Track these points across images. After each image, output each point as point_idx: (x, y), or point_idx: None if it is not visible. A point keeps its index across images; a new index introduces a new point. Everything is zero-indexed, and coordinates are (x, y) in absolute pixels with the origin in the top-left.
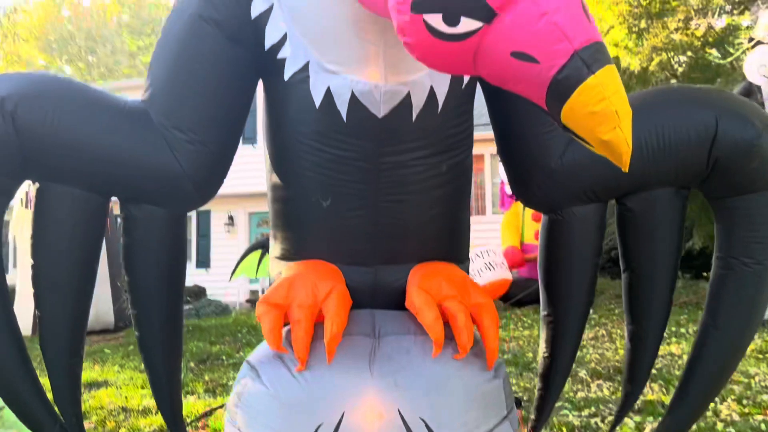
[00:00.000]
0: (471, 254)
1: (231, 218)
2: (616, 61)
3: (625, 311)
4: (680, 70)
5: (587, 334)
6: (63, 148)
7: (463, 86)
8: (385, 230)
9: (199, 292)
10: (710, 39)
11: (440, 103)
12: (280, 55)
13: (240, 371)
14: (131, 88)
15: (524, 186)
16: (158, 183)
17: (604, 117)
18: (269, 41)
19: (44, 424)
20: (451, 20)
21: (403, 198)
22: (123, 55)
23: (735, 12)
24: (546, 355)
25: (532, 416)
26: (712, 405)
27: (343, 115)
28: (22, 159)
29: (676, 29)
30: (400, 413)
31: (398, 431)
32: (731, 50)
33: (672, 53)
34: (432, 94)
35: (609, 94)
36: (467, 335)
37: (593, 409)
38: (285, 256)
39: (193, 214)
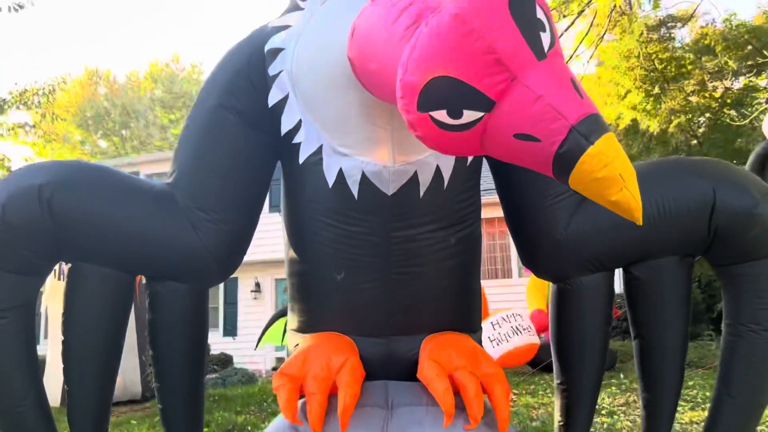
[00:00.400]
0: (497, 318)
1: (258, 285)
2: (635, 123)
3: (638, 379)
4: (700, 131)
5: (618, 399)
6: (95, 232)
7: (468, 163)
8: (397, 302)
9: (226, 360)
10: (728, 100)
11: (446, 180)
12: (295, 140)
13: None
14: (162, 160)
15: (532, 256)
16: (182, 261)
17: (609, 181)
18: (285, 127)
19: None
20: (455, 114)
21: (414, 270)
22: (155, 128)
23: (750, 74)
24: (561, 423)
25: None
26: None
27: (355, 193)
28: (56, 242)
29: (693, 92)
30: None
31: None
32: (748, 111)
33: (690, 115)
34: (438, 172)
35: (610, 159)
36: (478, 406)
37: None
38: (301, 329)
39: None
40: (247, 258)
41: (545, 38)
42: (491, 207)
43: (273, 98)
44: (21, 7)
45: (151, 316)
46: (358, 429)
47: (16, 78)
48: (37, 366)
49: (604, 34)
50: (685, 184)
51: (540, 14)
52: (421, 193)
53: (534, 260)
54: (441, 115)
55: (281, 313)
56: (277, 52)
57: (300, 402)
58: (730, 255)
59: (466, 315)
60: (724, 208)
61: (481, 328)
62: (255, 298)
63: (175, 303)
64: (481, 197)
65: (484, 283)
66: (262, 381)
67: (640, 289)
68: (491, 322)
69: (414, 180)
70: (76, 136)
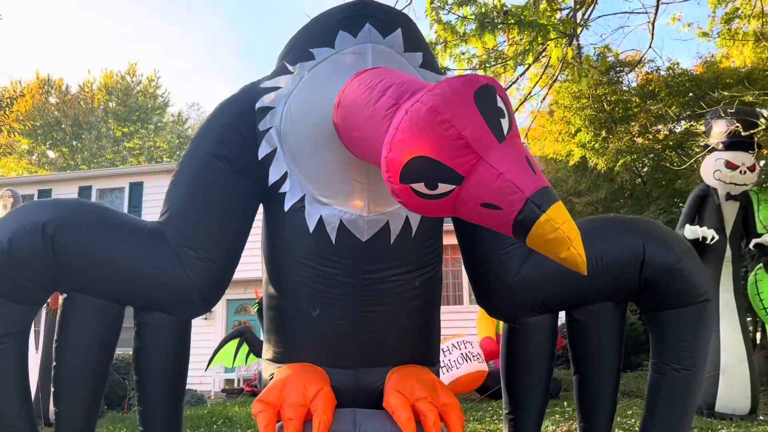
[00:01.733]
0: (448, 345)
1: None
2: (584, 161)
3: (577, 410)
4: (644, 171)
5: (562, 427)
6: (92, 266)
7: None
8: (366, 337)
9: None
10: (670, 143)
11: (414, 229)
12: (281, 189)
13: None
14: (116, 175)
15: (486, 297)
16: (170, 294)
17: (559, 242)
18: (273, 178)
19: None
20: (431, 186)
21: (382, 309)
22: (108, 141)
23: (691, 120)
24: None
25: None
26: None
27: (333, 239)
28: (55, 274)
29: (638, 133)
30: None
31: None
32: (690, 153)
33: (635, 155)
34: (407, 222)
35: (559, 224)
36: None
37: None
38: (277, 359)
39: None
40: None
41: (504, 123)
42: (445, 234)
43: (262, 151)
44: None
45: (137, 344)
46: None
47: None
48: (28, 388)
49: (556, 78)
50: (620, 241)
51: (500, 103)
52: (392, 240)
53: (488, 302)
54: (420, 186)
55: (233, 335)
56: (267, 110)
57: (278, 426)
58: (657, 302)
59: (427, 350)
60: (651, 263)
61: (439, 361)
62: (206, 318)
63: (161, 332)
64: None
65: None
66: (212, 402)
67: (579, 330)
68: (442, 349)
69: (386, 228)
70: (23, 145)
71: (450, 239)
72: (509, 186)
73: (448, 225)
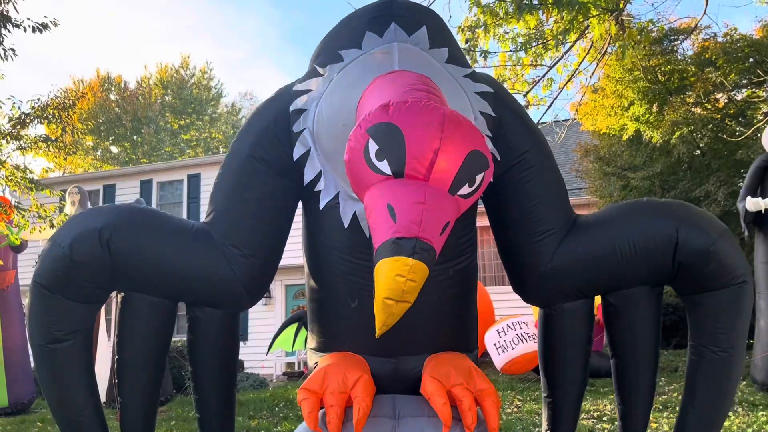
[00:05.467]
0: (503, 326)
1: (268, 291)
2: (638, 134)
3: (615, 392)
4: (702, 142)
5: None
6: (145, 267)
7: None
8: (403, 326)
9: (238, 365)
10: (730, 111)
11: None
12: (317, 188)
13: None
14: (174, 168)
15: (521, 285)
16: (218, 289)
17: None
18: (308, 177)
19: None
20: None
21: (418, 299)
22: (166, 134)
23: (752, 86)
24: (547, 431)
25: None
26: None
27: (367, 233)
28: (112, 275)
29: (696, 103)
30: None
31: None
32: (752, 121)
33: (692, 127)
34: None
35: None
36: (471, 416)
37: None
38: (320, 348)
39: None
40: None
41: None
42: (483, 216)
43: (297, 152)
44: (45, 27)
45: (190, 336)
46: None
47: (29, 85)
48: (94, 381)
49: (605, 52)
50: (654, 224)
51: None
52: None
53: (523, 289)
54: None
55: (292, 320)
56: (300, 112)
57: (320, 412)
58: (692, 286)
59: (464, 337)
60: (685, 246)
61: (477, 347)
62: (265, 304)
63: (210, 325)
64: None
65: (489, 289)
66: (273, 386)
67: (615, 315)
68: (497, 330)
69: None
70: (88, 142)
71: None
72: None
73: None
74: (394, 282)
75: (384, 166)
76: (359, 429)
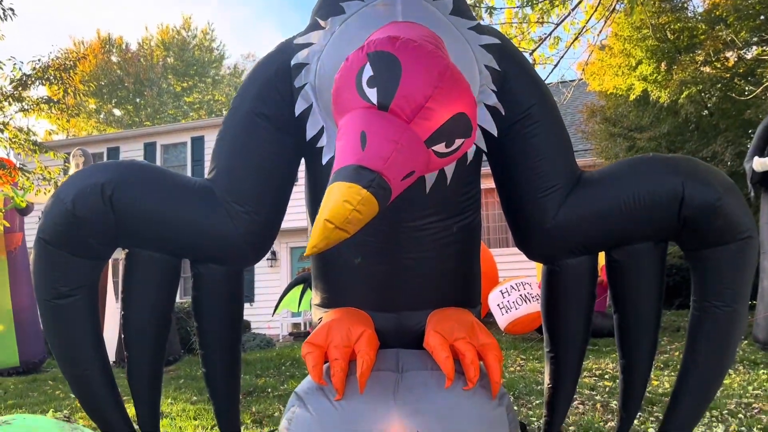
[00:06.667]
0: (507, 287)
1: (273, 253)
2: (646, 94)
3: (617, 347)
4: (710, 102)
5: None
6: (148, 223)
7: (468, 162)
8: (406, 282)
9: (244, 326)
10: (740, 70)
11: (449, 177)
12: (318, 144)
13: (289, 401)
14: (178, 131)
15: (525, 241)
16: (221, 246)
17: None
18: (310, 133)
19: None
20: None
21: (421, 255)
22: (169, 96)
23: (763, 43)
24: (549, 385)
25: None
26: None
27: None
28: (116, 231)
29: (705, 62)
30: None
31: None
32: (760, 81)
33: (701, 86)
34: (441, 171)
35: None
36: (474, 370)
37: None
38: (324, 304)
39: None
40: None
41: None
42: (487, 178)
43: (299, 108)
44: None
45: (195, 293)
46: (373, 389)
47: (29, 46)
48: (101, 337)
49: (613, 8)
50: (659, 180)
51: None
52: (427, 189)
53: (527, 245)
54: None
55: (297, 281)
56: (301, 66)
57: (325, 366)
58: (697, 241)
59: (467, 293)
60: (691, 201)
61: (480, 303)
62: (271, 266)
63: (214, 282)
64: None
65: (493, 251)
66: (280, 346)
67: (619, 271)
68: (500, 290)
69: (421, 178)
70: (91, 105)
71: (492, 183)
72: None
73: (487, 169)
74: (341, 207)
75: (372, 94)
76: (363, 382)
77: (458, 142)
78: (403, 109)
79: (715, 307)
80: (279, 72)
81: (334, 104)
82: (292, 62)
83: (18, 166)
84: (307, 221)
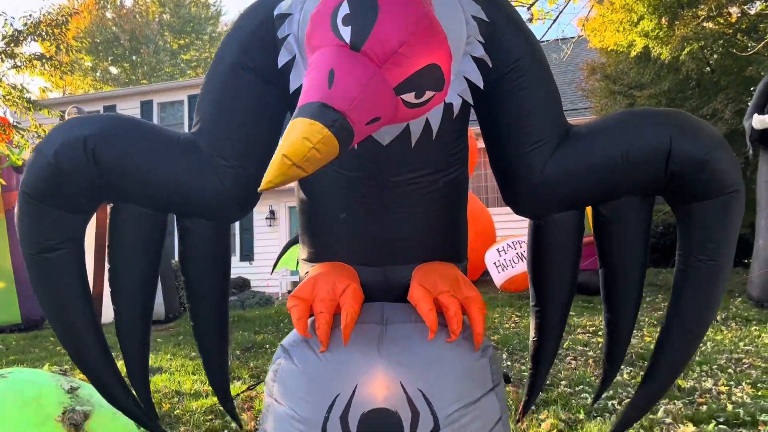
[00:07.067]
0: (503, 245)
1: (272, 212)
2: (647, 51)
3: (603, 301)
4: (712, 58)
5: None
6: (132, 177)
7: (454, 116)
8: (392, 237)
9: (243, 284)
10: (743, 26)
11: (434, 132)
12: None
13: (275, 353)
14: (175, 89)
15: (512, 197)
16: (206, 200)
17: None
18: (293, 86)
19: (120, 398)
20: None
21: (406, 210)
22: (165, 54)
23: None
24: (534, 339)
25: (526, 397)
26: (725, 388)
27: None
28: (99, 185)
29: (708, 17)
30: (402, 386)
31: (401, 400)
32: (763, 37)
33: (703, 42)
34: (428, 124)
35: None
36: (457, 322)
37: (611, 392)
38: (311, 259)
39: None
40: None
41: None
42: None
43: (282, 59)
44: None
45: (181, 247)
46: (357, 341)
47: (21, 2)
48: (88, 291)
49: None
50: (647, 133)
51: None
52: (413, 143)
53: (514, 201)
54: None
55: (295, 240)
56: (284, 17)
57: (310, 320)
58: (684, 195)
59: (453, 247)
60: (678, 155)
61: (466, 258)
62: (270, 225)
63: (201, 237)
64: None
65: (491, 210)
66: (278, 303)
67: (605, 225)
68: (497, 249)
69: (406, 131)
70: (87, 62)
71: None
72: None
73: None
74: (301, 143)
75: (345, 32)
76: (347, 334)
77: (429, 94)
78: (375, 51)
79: (699, 261)
80: (263, 23)
81: (307, 41)
82: (275, 12)
83: (12, 124)
84: None
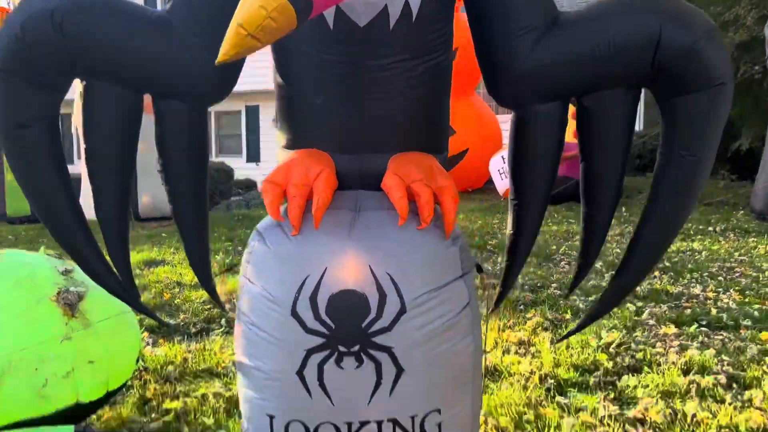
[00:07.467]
0: (506, 153)
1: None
2: None
3: (581, 196)
4: None
5: (613, 231)
6: (102, 52)
7: None
8: (368, 124)
9: (250, 185)
10: None
11: (414, 14)
12: None
13: (250, 236)
14: None
15: (495, 86)
16: (178, 81)
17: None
18: None
19: (102, 275)
20: None
21: (384, 97)
22: None
23: None
24: (511, 232)
25: (500, 288)
26: (713, 294)
27: (330, 24)
28: (68, 60)
29: None
30: (371, 269)
31: (369, 283)
32: None
33: None
34: (407, 5)
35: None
36: (428, 210)
37: (597, 296)
38: (288, 146)
39: (242, 110)
40: (266, 87)
41: None
42: None
43: None
44: None
45: (158, 129)
46: (329, 225)
47: None
48: (66, 170)
49: None
50: (637, 21)
51: None
52: (391, 25)
53: (497, 90)
54: None
55: None
56: None
57: (284, 206)
58: (671, 88)
59: (432, 137)
60: (667, 44)
61: (447, 149)
62: (276, 127)
63: (176, 119)
64: None
65: (499, 117)
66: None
67: (587, 118)
68: (502, 156)
69: (384, 12)
70: None
71: None
72: None
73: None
74: (256, 12)
75: None
76: (318, 217)
77: None
78: None
79: (681, 156)
80: None
81: None
82: None
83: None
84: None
